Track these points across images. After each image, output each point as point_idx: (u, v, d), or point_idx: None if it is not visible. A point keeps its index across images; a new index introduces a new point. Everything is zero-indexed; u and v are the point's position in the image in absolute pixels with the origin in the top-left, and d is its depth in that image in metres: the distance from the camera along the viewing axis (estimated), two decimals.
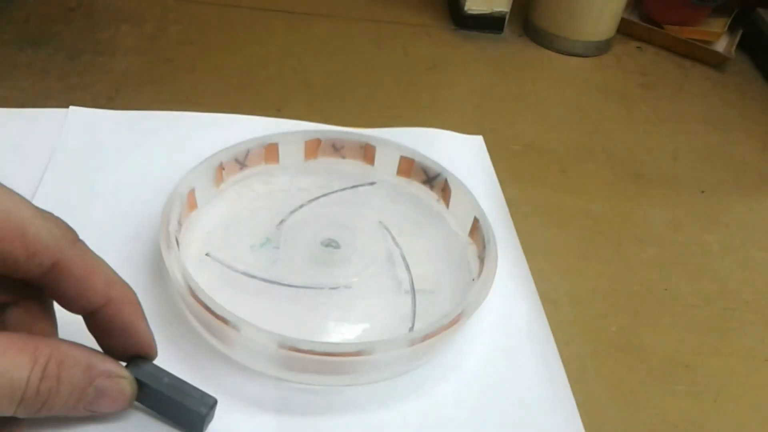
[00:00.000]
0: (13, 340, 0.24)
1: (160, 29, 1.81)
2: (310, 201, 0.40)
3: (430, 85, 1.88)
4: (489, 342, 0.34)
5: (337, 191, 0.40)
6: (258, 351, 0.29)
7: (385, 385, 0.32)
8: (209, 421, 0.28)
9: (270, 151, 0.42)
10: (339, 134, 0.41)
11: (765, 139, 1.69)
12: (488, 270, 0.31)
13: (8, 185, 0.38)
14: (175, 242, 0.36)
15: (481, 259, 0.32)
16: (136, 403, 0.27)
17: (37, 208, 0.25)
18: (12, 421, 0.26)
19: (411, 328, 0.33)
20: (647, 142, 1.54)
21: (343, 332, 0.33)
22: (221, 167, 0.40)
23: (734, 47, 2.13)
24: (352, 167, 0.42)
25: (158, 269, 0.33)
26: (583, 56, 2.07)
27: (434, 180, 0.39)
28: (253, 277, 0.36)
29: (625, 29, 2.10)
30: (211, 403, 0.29)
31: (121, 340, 0.27)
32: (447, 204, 0.38)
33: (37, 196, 0.32)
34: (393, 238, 0.37)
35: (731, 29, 2.22)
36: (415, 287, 0.35)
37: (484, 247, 0.33)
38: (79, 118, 0.42)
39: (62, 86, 1.54)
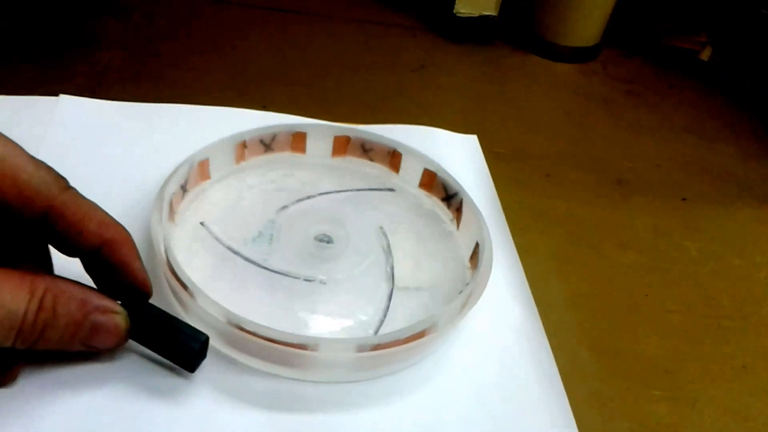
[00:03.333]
0: (9, 275, 0.24)
1: (146, 23, 1.81)
2: (320, 194, 0.40)
3: (417, 87, 1.88)
4: (483, 344, 0.34)
5: (352, 190, 0.40)
6: (210, 323, 0.29)
7: (379, 383, 0.31)
8: (202, 359, 0.29)
9: (297, 139, 0.41)
10: (368, 135, 0.41)
11: (746, 149, 1.71)
12: (474, 292, 0.31)
13: None
14: (168, 203, 0.36)
15: (472, 280, 0.32)
16: (131, 341, 0.28)
17: (30, 155, 0.25)
18: (11, 359, 0.27)
19: (375, 332, 0.32)
20: (631, 148, 1.55)
21: (315, 325, 0.33)
22: (243, 145, 0.40)
23: (718, 57, 2.14)
24: (377, 171, 0.42)
25: (150, 251, 0.33)
26: (570, 62, 2.08)
27: (452, 198, 0.38)
28: (237, 254, 0.36)
29: (612, 36, 2.11)
30: (202, 339, 0.29)
31: (116, 279, 0.27)
32: (458, 225, 0.38)
33: None
34: (387, 245, 0.37)
35: (715, 40, 2.24)
36: (394, 295, 0.34)
37: (477, 268, 0.33)
38: (69, 106, 0.42)
39: (44, 77, 1.53)
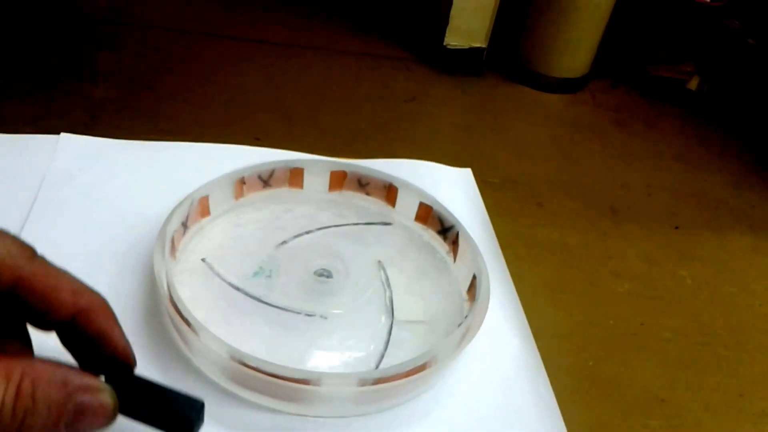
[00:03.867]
0: None
1: (140, 56, 1.82)
2: (319, 228, 0.40)
3: (409, 118, 1.90)
4: (482, 375, 0.34)
5: (349, 224, 0.40)
6: (213, 360, 0.28)
7: (381, 417, 0.31)
8: (201, 424, 0.27)
9: (295, 175, 0.42)
10: (365, 170, 0.41)
11: (737, 178, 1.73)
12: (473, 324, 0.31)
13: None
14: (170, 241, 0.36)
15: (471, 312, 0.32)
16: (123, 417, 0.26)
17: None
18: None
19: (376, 366, 0.32)
20: (622, 177, 1.57)
21: (316, 360, 0.32)
22: (242, 181, 0.40)
23: (705, 87, 2.18)
24: (373, 205, 0.42)
25: (152, 288, 0.32)
26: (559, 92, 2.10)
27: (448, 231, 0.38)
28: (238, 289, 0.36)
29: (600, 67, 2.14)
30: (198, 407, 0.28)
31: (97, 351, 0.25)
32: (455, 258, 0.38)
33: (28, 222, 0.31)
34: (386, 279, 0.37)
35: (702, 70, 2.28)
36: (393, 328, 0.34)
37: (475, 301, 0.33)
38: (70, 144, 0.42)
39: (38, 111, 1.53)
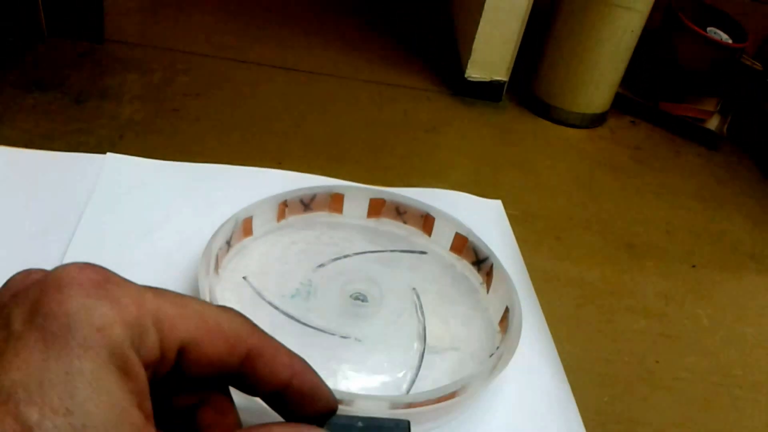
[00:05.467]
0: None
1: (167, 79, 1.85)
2: (356, 253, 0.41)
3: (429, 148, 1.91)
4: (512, 406, 0.34)
5: (386, 251, 0.41)
6: None
7: None
8: None
9: (335, 200, 0.43)
10: (402, 199, 0.42)
11: (755, 218, 1.73)
12: (504, 355, 0.32)
13: (46, 230, 0.38)
14: (214, 259, 0.38)
15: (502, 343, 0.33)
16: None
17: (215, 305, 0.26)
18: None
19: (408, 392, 0.33)
20: (640, 214, 1.57)
21: (348, 382, 0.33)
22: (285, 204, 0.42)
23: (726, 126, 2.19)
24: (410, 233, 0.43)
25: None
26: (578, 127, 2.11)
27: (482, 262, 0.39)
28: (277, 308, 0.37)
29: (620, 103, 2.16)
30: (407, 426, 0.30)
31: (309, 405, 0.27)
32: (488, 289, 0.38)
33: (73, 241, 0.32)
34: (420, 305, 0.38)
35: (722, 110, 2.29)
36: (426, 356, 0.35)
37: (507, 332, 0.34)
38: (116, 164, 0.43)
39: (67, 129, 1.56)
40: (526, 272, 0.46)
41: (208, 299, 0.34)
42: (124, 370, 0.21)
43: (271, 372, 0.26)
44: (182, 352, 0.24)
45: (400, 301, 0.40)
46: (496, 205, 0.53)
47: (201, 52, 1.89)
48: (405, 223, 0.44)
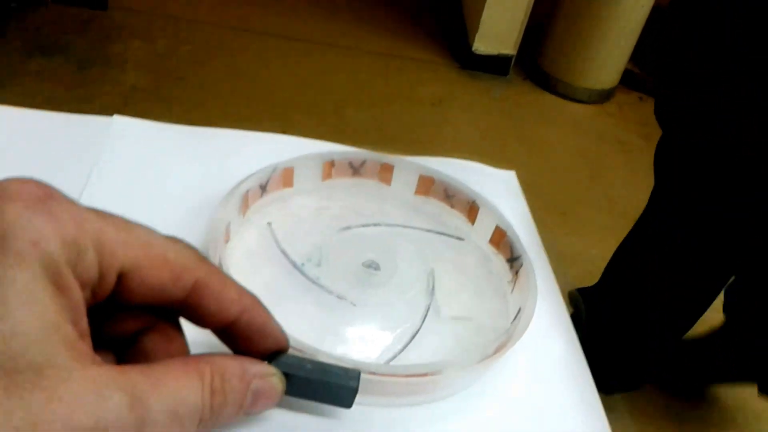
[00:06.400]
0: (176, 366, 0.24)
1: (171, 47, 1.83)
2: (388, 225, 0.41)
3: (435, 121, 1.90)
4: (528, 375, 0.34)
5: (420, 229, 0.41)
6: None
7: (409, 411, 0.32)
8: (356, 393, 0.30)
9: (385, 170, 0.43)
10: (452, 181, 0.42)
11: None
12: (495, 355, 0.31)
13: None
14: (242, 197, 0.38)
15: (498, 338, 0.33)
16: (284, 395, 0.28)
17: (163, 234, 0.26)
18: None
19: (392, 359, 0.33)
20: (646, 191, 1.55)
21: (332, 339, 0.34)
22: (332, 164, 0.41)
23: None
24: (453, 218, 0.43)
25: (214, 243, 0.34)
26: (586, 103, 2.09)
27: (515, 261, 0.39)
28: (287, 257, 0.37)
29: (628, 80, 2.14)
30: (357, 375, 0.29)
31: (258, 341, 0.27)
32: (513, 288, 0.38)
33: (81, 202, 0.32)
34: (432, 287, 0.37)
35: None
36: (425, 328, 0.35)
37: (516, 324, 0.33)
38: (123, 127, 0.42)
39: (70, 96, 1.55)
40: (542, 246, 0.46)
41: (221, 235, 0.34)
42: (57, 285, 0.21)
43: (218, 306, 0.26)
44: (122, 277, 0.24)
45: (414, 277, 0.39)
46: (510, 176, 0.52)
47: (205, 21, 1.87)
48: (452, 207, 0.44)
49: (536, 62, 2.05)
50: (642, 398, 1.12)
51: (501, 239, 0.41)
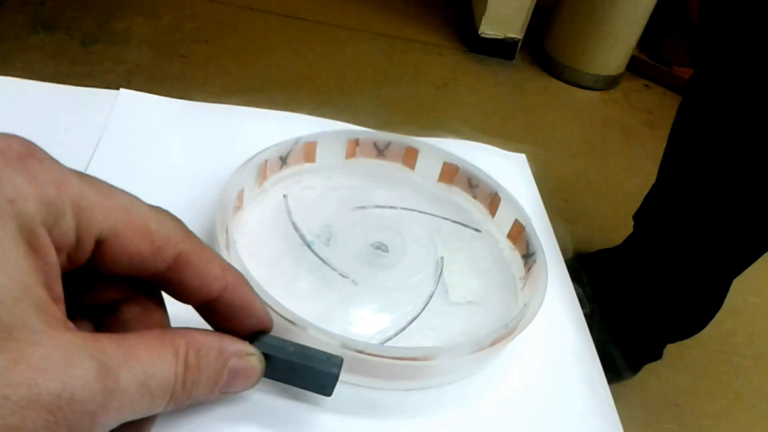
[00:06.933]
0: (151, 339, 0.23)
1: (175, 25, 1.81)
2: (404, 208, 0.40)
3: (439, 104, 1.88)
4: (536, 363, 0.34)
5: (438, 216, 0.40)
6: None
7: (400, 396, 0.31)
8: (337, 380, 0.29)
9: (410, 155, 0.43)
10: (476, 171, 0.41)
11: None
12: (495, 347, 0.31)
13: None
14: (259, 167, 0.38)
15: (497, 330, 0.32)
16: (264, 377, 0.28)
17: (147, 204, 0.25)
18: (147, 417, 0.26)
19: (387, 340, 0.33)
20: (650, 180, 1.55)
21: (329, 314, 0.33)
22: (356, 142, 0.41)
23: None
24: (474, 208, 0.42)
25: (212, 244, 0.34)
26: (591, 89, 2.08)
27: (529, 257, 0.38)
28: (297, 231, 0.36)
29: (634, 66, 2.12)
30: (339, 362, 0.28)
31: (240, 320, 0.26)
32: (524, 284, 0.37)
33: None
34: (440, 274, 0.37)
35: None
36: (417, 322, 0.35)
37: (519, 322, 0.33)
38: (129, 101, 0.42)
39: (73, 72, 1.54)
40: (552, 230, 0.45)
41: (232, 199, 0.34)
42: (32, 245, 0.21)
43: (201, 282, 0.25)
44: (101, 244, 0.23)
45: (422, 263, 0.39)
46: (521, 159, 0.52)
47: None
48: (474, 197, 0.43)
49: (542, 47, 2.04)
50: (651, 387, 1.12)
51: (519, 234, 0.41)
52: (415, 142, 0.44)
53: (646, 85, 2.06)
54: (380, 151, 0.44)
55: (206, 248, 0.26)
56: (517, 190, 0.44)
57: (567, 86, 1.95)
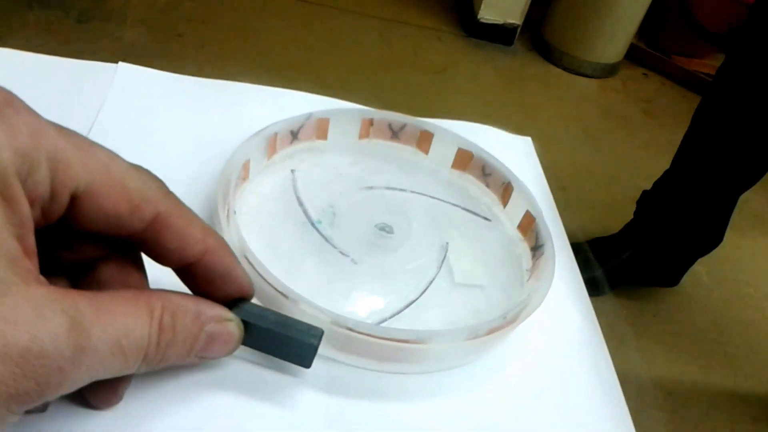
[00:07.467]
0: (126, 298, 0.22)
1: (172, 4, 1.79)
2: (413, 191, 0.40)
3: (437, 90, 1.87)
4: (539, 350, 0.33)
5: (448, 203, 0.40)
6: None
7: (407, 379, 0.31)
8: (316, 352, 0.28)
9: (424, 138, 0.42)
10: (491, 159, 0.40)
11: (762, 180, 1.71)
12: (491, 337, 0.31)
13: None
14: (268, 140, 0.37)
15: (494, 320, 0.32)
16: (242, 347, 0.27)
17: (127, 161, 0.24)
18: (121, 378, 0.25)
19: (381, 322, 0.32)
20: (647, 167, 1.54)
21: (346, 304, 0.33)
22: (370, 123, 0.40)
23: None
24: (486, 197, 0.41)
25: (212, 222, 0.33)
26: (590, 77, 2.08)
27: (538, 249, 0.38)
28: (301, 205, 0.36)
29: (633, 55, 2.12)
30: (319, 334, 0.28)
31: (219, 286, 0.26)
32: (530, 276, 0.37)
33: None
34: (443, 260, 0.36)
35: None
36: (414, 306, 0.34)
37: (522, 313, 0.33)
38: (128, 74, 0.41)
39: (68, 50, 1.52)
40: (558, 214, 0.45)
41: (238, 170, 0.34)
42: (4, 196, 0.20)
43: (180, 244, 0.25)
44: (76, 199, 0.23)
45: (426, 248, 0.38)
46: (526, 142, 0.51)
47: None
48: (487, 186, 0.42)
49: (541, 33, 2.03)
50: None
51: (530, 225, 0.40)
52: (431, 125, 0.43)
53: (644, 74, 2.06)
54: (394, 132, 0.43)
55: (187, 210, 0.25)
56: (524, 173, 0.44)
57: (565, 73, 1.94)
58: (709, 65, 2.07)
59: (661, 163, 1.61)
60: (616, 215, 1.39)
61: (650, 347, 1.17)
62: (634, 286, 1.23)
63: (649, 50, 2.08)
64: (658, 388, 1.12)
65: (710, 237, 1.20)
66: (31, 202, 0.21)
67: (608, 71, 1.99)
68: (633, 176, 1.54)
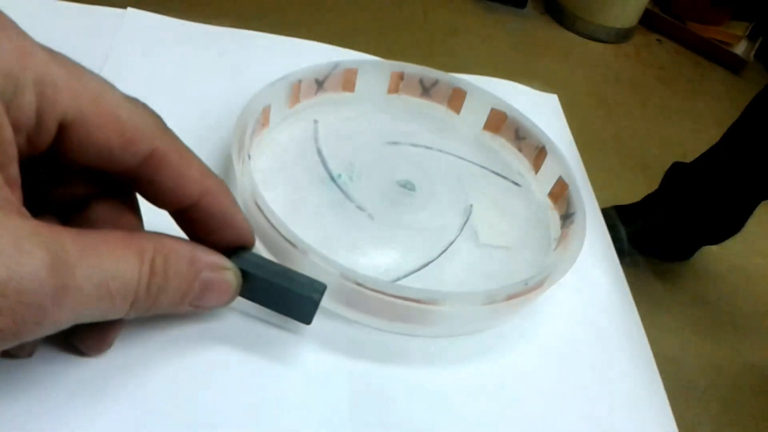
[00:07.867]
0: (116, 238, 0.21)
1: None
2: (441, 151, 0.38)
3: (447, 52, 1.84)
4: (570, 314, 0.32)
5: (477, 165, 0.38)
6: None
7: (418, 341, 0.30)
8: (317, 308, 0.27)
9: (456, 97, 0.40)
10: (525, 120, 0.39)
11: None
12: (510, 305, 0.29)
13: None
14: (292, 87, 0.35)
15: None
16: (240, 299, 0.25)
17: (122, 92, 0.22)
18: (106, 324, 0.24)
19: (395, 281, 0.31)
20: (658, 135, 1.53)
21: (359, 260, 0.31)
22: (400, 77, 0.38)
23: (753, 52, 2.10)
24: (518, 162, 0.39)
25: (226, 175, 0.32)
26: (603, 42, 2.03)
27: (568, 218, 0.36)
28: (321, 158, 0.34)
29: (647, 20, 2.07)
30: (321, 289, 0.26)
31: (218, 232, 0.24)
32: (557, 245, 0.35)
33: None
34: (463, 224, 0.35)
35: (752, 34, 2.21)
36: (446, 254, 0.33)
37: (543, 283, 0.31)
38: (136, 21, 0.39)
39: None
40: (585, 173, 0.43)
41: (257, 115, 0.32)
42: None
43: (176, 183, 0.23)
44: (64, 129, 0.21)
45: (449, 209, 0.36)
46: (553, 99, 0.50)
47: None
48: (519, 150, 0.40)
49: None
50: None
51: (562, 193, 0.38)
52: (464, 83, 0.41)
53: (658, 40, 2.02)
54: (425, 89, 0.41)
55: (185, 149, 0.23)
56: (554, 135, 0.42)
57: (578, 38, 1.90)
58: (724, 32, 2.03)
59: (673, 130, 1.58)
60: (626, 181, 1.38)
61: (658, 315, 1.16)
62: (645, 257, 1.22)
63: (664, 16, 2.04)
64: (662, 357, 1.11)
65: (732, 225, 1.21)
66: (16, 128, 0.20)
67: (622, 37, 1.95)
68: (644, 143, 1.52)
